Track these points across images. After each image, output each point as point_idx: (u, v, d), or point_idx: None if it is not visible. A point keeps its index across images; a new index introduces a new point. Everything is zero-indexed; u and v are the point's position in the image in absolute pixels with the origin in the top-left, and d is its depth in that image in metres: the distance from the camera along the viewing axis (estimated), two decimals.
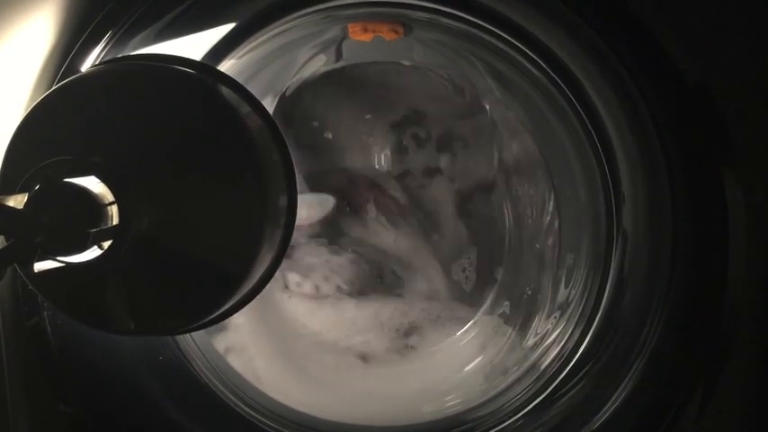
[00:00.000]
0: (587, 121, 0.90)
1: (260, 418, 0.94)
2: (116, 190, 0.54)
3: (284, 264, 1.09)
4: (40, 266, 0.52)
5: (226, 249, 0.62)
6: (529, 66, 0.94)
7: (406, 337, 1.24)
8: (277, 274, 0.69)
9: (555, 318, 1.03)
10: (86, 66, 0.77)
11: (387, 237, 1.41)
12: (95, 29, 0.78)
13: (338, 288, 1.35)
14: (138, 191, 0.56)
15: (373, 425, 1.00)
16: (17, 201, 0.51)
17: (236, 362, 1.06)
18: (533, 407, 0.92)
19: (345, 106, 1.37)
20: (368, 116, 1.38)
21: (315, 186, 1.36)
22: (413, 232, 1.42)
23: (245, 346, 1.12)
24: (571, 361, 0.92)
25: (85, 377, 0.85)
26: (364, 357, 1.21)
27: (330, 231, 1.39)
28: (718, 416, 0.76)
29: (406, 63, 1.27)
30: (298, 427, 0.95)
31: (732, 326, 0.75)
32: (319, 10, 0.93)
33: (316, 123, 1.35)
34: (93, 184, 0.53)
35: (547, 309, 1.07)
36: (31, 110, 0.59)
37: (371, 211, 1.40)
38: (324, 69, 1.29)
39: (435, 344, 1.22)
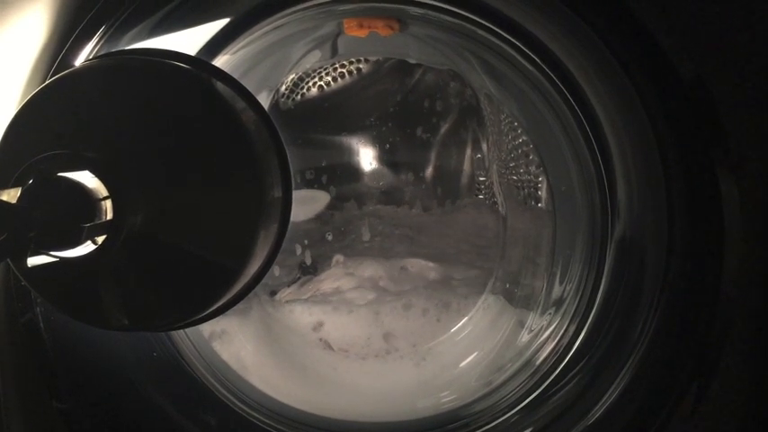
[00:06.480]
0: (582, 117, 0.90)
1: (255, 414, 0.94)
2: (110, 185, 0.54)
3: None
4: (33, 261, 0.52)
5: (221, 245, 0.62)
6: (523, 61, 0.94)
7: (401, 334, 1.24)
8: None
9: (550, 314, 1.03)
10: (80, 60, 0.77)
11: (381, 234, 1.41)
12: (89, 23, 0.77)
13: (335, 285, 1.35)
14: (133, 186, 0.56)
15: (367, 421, 1.00)
16: (10, 195, 0.50)
17: (227, 355, 1.05)
18: (529, 402, 0.92)
19: (343, 103, 1.37)
20: (364, 113, 1.38)
21: (311, 182, 1.36)
22: (407, 229, 1.42)
23: (236, 339, 1.12)
24: (566, 357, 0.92)
25: (79, 373, 0.85)
26: (357, 353, 1.21)
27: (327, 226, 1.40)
28: (712, 412, 0.77)
29: (412, 61, 1.27)
30: (292, 424, 0.95)
31: (726, 322, 0.76)
32: (314, 5, 0.93)
33: (313, 119, 1.35)
34: (87, 178, 0.53)
35: (542, 305, 1.08)
36: (25, 104, 0.59)
37: (366, 207, 1.41)
38: (319, 65, 1.29)
39: (430, 340, 1.22)
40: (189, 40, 0.87)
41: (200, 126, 0.61)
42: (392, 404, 1.07)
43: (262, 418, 0.94)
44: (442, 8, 0.93)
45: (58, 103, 0.60)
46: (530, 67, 0.94)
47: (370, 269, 1.36)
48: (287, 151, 0.68)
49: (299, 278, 1.38)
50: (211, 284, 0.62)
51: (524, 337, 1.07)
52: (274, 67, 1.19)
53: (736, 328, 0.76)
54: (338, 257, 1.39)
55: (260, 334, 1.17)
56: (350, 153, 1.38)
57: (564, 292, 1.02)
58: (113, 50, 0.76)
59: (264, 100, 1.23)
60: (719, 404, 0.77)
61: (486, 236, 1.33)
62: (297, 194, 0.71)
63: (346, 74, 1.35)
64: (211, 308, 0.64)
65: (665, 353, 0.80)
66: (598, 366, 0.87)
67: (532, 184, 1.16)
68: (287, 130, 0.70)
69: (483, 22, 0.92)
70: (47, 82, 0.61)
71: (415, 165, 1.39)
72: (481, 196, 1.38)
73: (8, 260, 0.54)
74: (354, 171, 1.39)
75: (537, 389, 0.93)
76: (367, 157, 1.39)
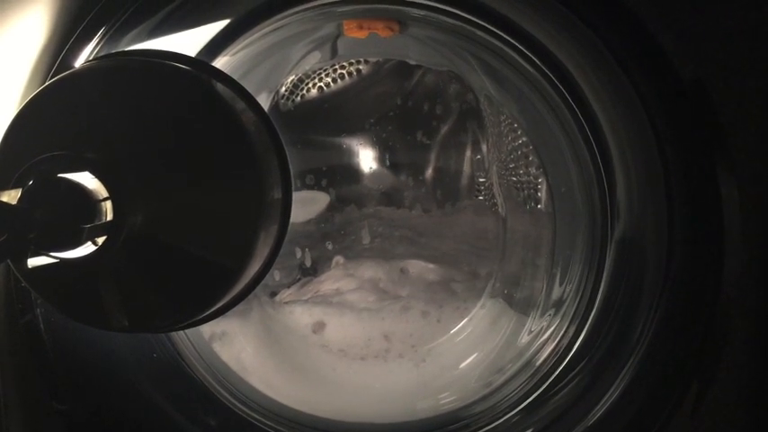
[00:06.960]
0: (581, 118, 0.90)
1: (255, 415, 0.94)
2: (110, 186, 0.54)
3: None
4: (33, 262, 0.52)
5: (221, 245, 0.62)
6: (523, 63, 0.94)
7: (401, 335, 1.24)
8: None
9: (550, 315, 1.03)
10: (80, 61, 0.77)
11: (381, 235, 1.41)
12: (89, 24, 0.77)
13: (335, 287, 1.35)
14: (133, 187, 0.56)
15: (367, 422, 1.00)
16: (11, 196, 0.50)
17: (227, 356, 1.05)
18: (529, 403, 0.92)
19: (343, 104, 1.37)
20: (364, 114, 1.38)
21: (310, 184, 1.36)
22: (407, 231, 1.42)
23: (236, 340, 1.13)
24: (566, 358, 0.92)
25: (79, 374, 0.85)
26: (357, 354, 1.21)
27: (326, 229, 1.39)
28: (713, 412, 0.77)
29: (412, 62, 1.27)
30: (292, 424, 0.95)
31: (726, 322, 0.76)
32: (314, 7, 0.93)
33: (313, 120, 1.35)
34: (87, 179, 0.53)
35: (542, 306, 1.08)
36: (25, 105, 0.59)
37: (366, 209, 1.40)
38: (319, 66, 1.29)
39: (430, 341, 1.22)
40: (189, 42, 0.87)
41: (199, 127, 0.61)
42: (392, 405, 1.06)
43: (262, 419, 0.94)
44: (442, 9, 0.93)
45: (58, 104, 0.60)
46: (529, 69, 0.94)
47: (370, 270, 1.36)
48: (287, 152, 0.68)
49: (299, 279, 1.38)
50: (211, 285, 0.62)
51: (524, 338, 1.07)
52: (274, 68, 1.19)
53: (736, 328, 0.76)
54: (338, 259, 1.39)
55: (260, 335, 1.17)
56: (350, 155, 1.38)
57: (564, 292, 1.01)
58: (113, 51, 0.76)
59: (264, 101, 1.23)
60: (720, 404, 0.77)
61: (486, 237, 1.33)
62: (296, 195, 0.71)
63: (346, 75, 1.35)
64: (211, 309, 0.64)
65: (665, 353, 0.80)
66: (598, 367, 0.87)
67: (532, 186, 1.16)
68: (287, 132, 0.70)
69: (482, 23, 0.92)
70: (47, 83, 0.61)
71: (414, 166, 1.39)
72: (481, 198, 1.37)
73: (8, 261, 0.54)
74: (354, 173, 1.39)
75: (537, 390, 0.92)
76: (367, 159, 1.39)
